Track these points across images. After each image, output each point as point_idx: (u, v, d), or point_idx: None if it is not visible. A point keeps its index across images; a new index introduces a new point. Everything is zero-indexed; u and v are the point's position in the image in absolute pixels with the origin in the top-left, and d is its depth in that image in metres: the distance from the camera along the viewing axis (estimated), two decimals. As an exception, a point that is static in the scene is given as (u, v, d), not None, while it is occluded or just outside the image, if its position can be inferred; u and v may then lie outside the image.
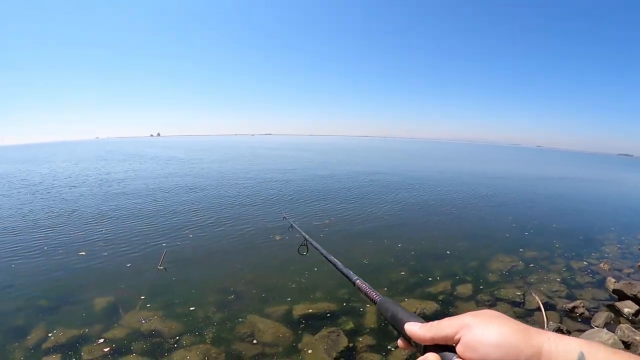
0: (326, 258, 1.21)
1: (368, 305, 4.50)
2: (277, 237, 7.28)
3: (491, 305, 4.68)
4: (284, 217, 2.34)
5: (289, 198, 11.75)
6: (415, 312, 0.70)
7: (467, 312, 0.51)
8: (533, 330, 0.46)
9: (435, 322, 0.54)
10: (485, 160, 39.93)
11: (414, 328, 0.56)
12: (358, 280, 0.91)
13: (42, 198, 11.76)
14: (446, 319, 0.52)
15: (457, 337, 0.49)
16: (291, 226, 2.11)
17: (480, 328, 0.47)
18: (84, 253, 6.35)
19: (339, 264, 1.09)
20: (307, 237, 1.63)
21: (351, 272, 0.98)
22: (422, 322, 0.57)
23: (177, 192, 12.59)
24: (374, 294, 0.80)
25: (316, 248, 1.40)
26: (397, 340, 0.63)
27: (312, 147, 62.68)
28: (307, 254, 1.65)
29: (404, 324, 0.60)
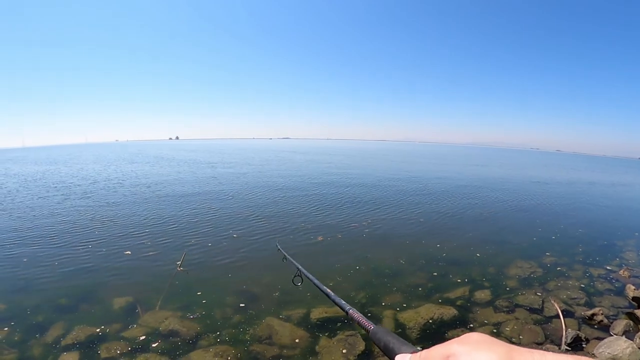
0: (319, 288, 1.23)
1: (385, 311, 4.50)
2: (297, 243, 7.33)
3: (509, 312, 4.62)
4: (279, 249, 2.34)
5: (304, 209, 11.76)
6: (411, 331, 0.70)
7: (454, 339, 0.50)
8: (518, 351, 0.44)
9: (425, 351, 0.53)
10: (506, 165, 39.47)
11: None
12: (350, 310, 0.93)
13: (67, 199, 11.97)
14: (435, 347, 0.51)
15: None
16: (284, 257, 2.09)
17: (466, 356, 0.47)
18: (103, 253, 6.44)
19: (331, 294, 1.12)
20: (300, 267, 1.64)
21: (343, 302, 0.99)
22: (415, 351, 0.57)
23: (201, 195, 12.67)
24: (366, 323, 0.80)
25: (309, 279, 1.42)
26: None
27: (336, 151, 62.33)
28: (301, 286, 1.67)
29: (395, 355, 0.61)
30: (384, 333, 0.69)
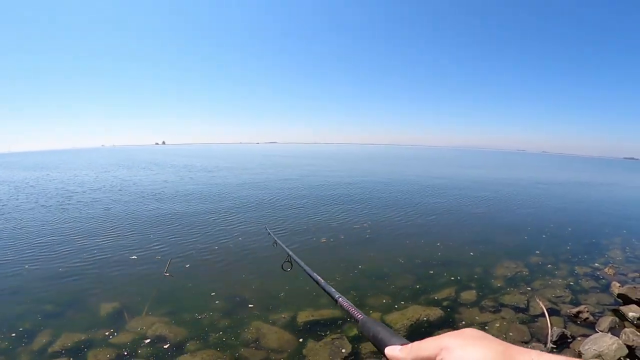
0: (310, 275, 1.19)
1: (372, 312, 4.52)
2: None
3: (495, 312, 4.66)
4: (268, 233, 2.23)
5: (286, 208, 11.76)
6: (397, 332, 0.68)
7: (447, 333, 0.48)
8: (515, 350, 0.42)
9: (416, 343, 0.51)
10: (496, 166, 39.68)
11: (394, 352, 0.55)
12: (340, 298, 0.90)
13: (48, 205, 11.88)
14: (427, 339, 0.49)
15: (437, 359, 0.46)
16: (275, 242, 2.04)
17: (459, 350, 0.44)
18: (89, 258, 6.40)
19: (322, 281, 1.08)
20: (290, 253, 1.59)
21: (333, 290, 0.96)
22: (405, 343, 0.55)
23: (186, 200, 12.67)
24: (356, 313, 0.78)
25: (300, 265, 1.37)
26: None
27: (323, 154, 62.39)
28: (291, 270, 1.62)
29: (385, 346, 0.58)
30: (373, 323, 0.67)
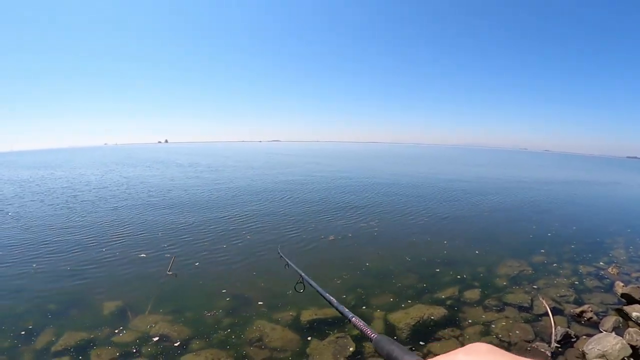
0: (322, 296, 1.22)
1: (375, 312, 4.51)
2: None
3: (499, 311, 4.65)
4: (280, 256, 2.26)
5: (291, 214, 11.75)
6: (399, 341, 0.69)
7: (459, 349, 0.47)
8: None
9: None
10: (496, 165, 39.69)
11: None
12: (354, 318, 0.92)
13: (53, 204, 11.90)
14: (441, 356, 0.48)
15: None
16: (287, 264, 2.05)
17: None
18: (93, 257, 6.41)
19: (334, 301, 1.11)
20: (302, 274, 1.62)
21: (346, 310, 0.99)
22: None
23: (193, 199, 12.66)
24: (369, 332, 0.80)
25: (312, 286, 1.40)
26: None
27: (327, 153, 62.23)
28: (304, 291, 1.65)
29: None
30: (387, 342, 0.68)
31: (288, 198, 12.88)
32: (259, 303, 4.76)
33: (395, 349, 0.64)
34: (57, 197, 12.80)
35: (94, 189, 15.20)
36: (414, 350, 0.62)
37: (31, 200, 12.19)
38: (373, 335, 0.76)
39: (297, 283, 1.65)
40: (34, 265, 5.99)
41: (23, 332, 4.02)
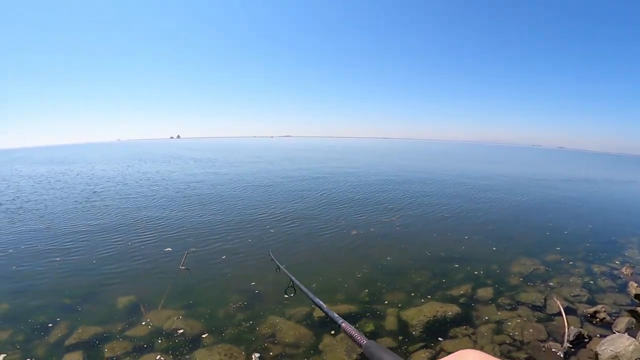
0: (312, 301, 1.23)
1: (388, 308, 4.50)
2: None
3: (512, 309, 4.61)
4: (272, 259, 2.30)
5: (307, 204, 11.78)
6: (413, 338, 0.69)
7: (449, 356, 0.48)
8: None
9: None
10: (516, 162, 39.39)
11: None
12: (343, 324, 0.92)
13: (69, 199, 11.97)
14: None
15: None
16: (278, 268, 2.08)
17: None
18: (107, 252, 6.46)
19: (324, 306, 1.11)
20: (293, 279, 1.64)
21: (336, 315, 0.98)
22: None
23: (211, 194, 12.67)
24: (359, 337, 0.80)
25: (302, 291, 1.41)
26: None
27: (343, 148, 62.11)
28: (294, 296, 1.72)
29: None
30: (377, 348, 0.68)
31: (312, 192, 13.01)
32: (271, 298, 4.76)
33: (385, 355, 0.64)
34: (80, 194, 12.77)
35: (114, 184, 15.20)
36: (408, 356, 0.62)
37: (53, 197, 12.10)
38: (363, 341, 0.76)
39: (287, 287, 1.69)
40: (46, 261, 6.04)
41: (37, 326, 4.06)
